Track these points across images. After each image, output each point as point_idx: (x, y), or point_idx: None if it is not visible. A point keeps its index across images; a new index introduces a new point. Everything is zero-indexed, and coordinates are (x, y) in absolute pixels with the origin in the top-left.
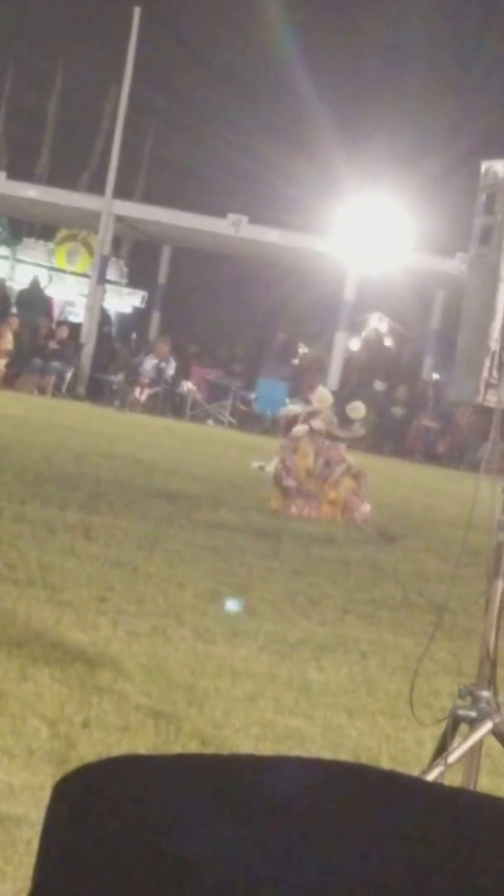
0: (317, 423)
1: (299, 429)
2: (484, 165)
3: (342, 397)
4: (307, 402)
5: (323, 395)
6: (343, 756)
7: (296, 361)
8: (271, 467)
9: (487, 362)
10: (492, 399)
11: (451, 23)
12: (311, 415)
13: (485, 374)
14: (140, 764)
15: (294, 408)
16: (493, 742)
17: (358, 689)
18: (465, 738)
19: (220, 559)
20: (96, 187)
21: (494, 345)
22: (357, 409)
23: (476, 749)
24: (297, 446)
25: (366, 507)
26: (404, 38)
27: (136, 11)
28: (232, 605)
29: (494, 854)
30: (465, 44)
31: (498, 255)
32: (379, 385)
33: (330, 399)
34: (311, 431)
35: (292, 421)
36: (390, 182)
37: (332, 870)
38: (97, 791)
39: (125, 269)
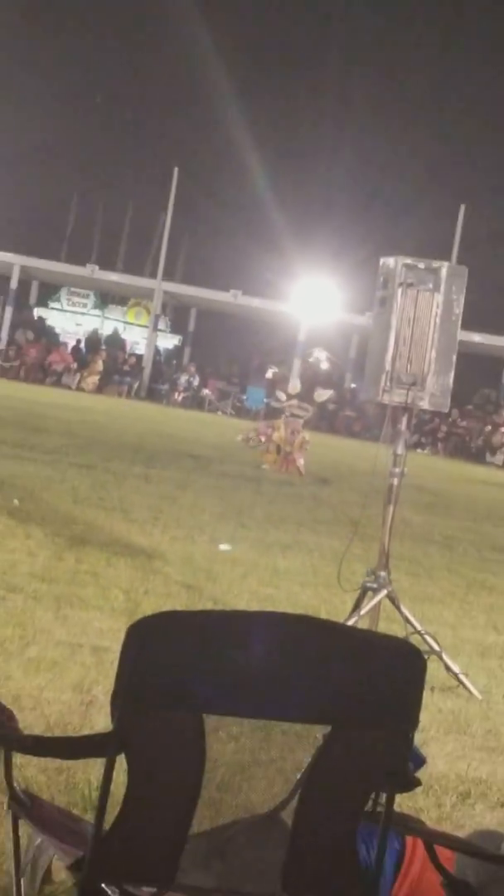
0: (291, 408)
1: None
2: (381, 260)
3: (300, 395)
4: (277, 398)
5: (295, 385)
6: (296, 610)
7: (269, 376)
8: (248, 437)
9: (383, 377)
10: (386, 399)
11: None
12: (289, 404)
13: (382, 383)
14: (176, 616)
15: (279, 400)
16: (387, 603)
17: (307, 572)
18: (370, 600)
19: (224, 494)
20: (152, 273)
21: (387, 366)
22: (322, 394)
23: (377, 606)
24: (276, 425)
25: (301, 461)
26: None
27: (175, 171)
28: (224, 546)
29: (381, 661)
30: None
31: (389, 314)
32: (319, 393)
33: (298, 388)
34: (286, 414)
35: (276, 411)
36: (326, 267)
37: (289, 675)
38: (151, 631)
39: (169, 322)
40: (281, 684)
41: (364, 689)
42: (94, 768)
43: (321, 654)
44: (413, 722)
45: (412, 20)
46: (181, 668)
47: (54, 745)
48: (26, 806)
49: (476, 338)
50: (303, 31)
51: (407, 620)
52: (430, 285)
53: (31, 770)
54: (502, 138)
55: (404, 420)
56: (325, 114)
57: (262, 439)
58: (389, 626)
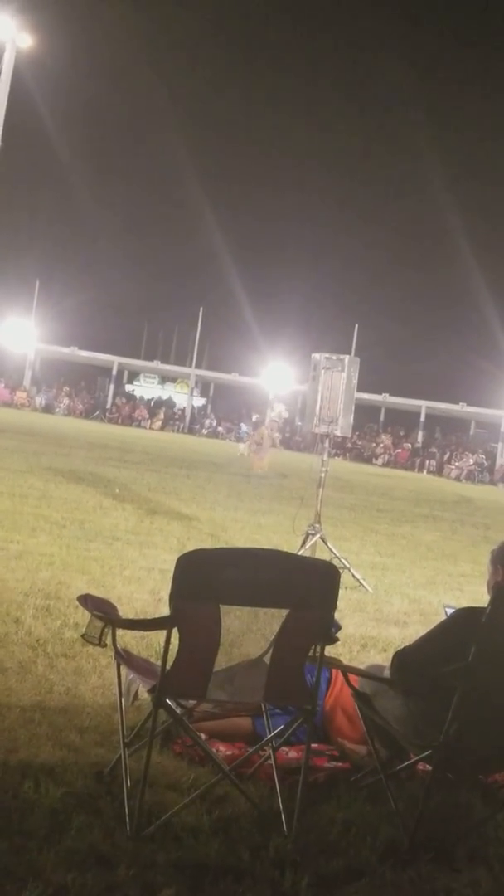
0: (267, 431)
1: (259, 438)
2: (312, 355)
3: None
4: (256, 432)
5: (281, 411)
6: (271, 545)
7: (253, 419)
8: (243, 452)
9: (315, 418)
10: (316, 430)
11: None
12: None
13: (314, 421)
14: (202, 550)
15: (259, 432)
16: (320, 542)
17: (277, 525)
18: (311, 540)
19: (231, 484)
20: (190, 364)
21: (317, 412)
22: (281, 411)
23: (315, 544)
24: (261, 431)
25: (264, 463)
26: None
27: (201, 310)
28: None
29: (315, 573)
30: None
31: (318, 384)
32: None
33: (285, 413)
34: (263, 435)
35: (259, 436)
36: (284, 357)
37: (266, 581)
38: (189, 559)
39: (199, 391)
40: (262, 586)
41: (307, 588)
42: (160, 635)
43: (283, 569)
44: (333, 606)
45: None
46: (206, 579)
47: (139, 623)
48: (123, 657)
49: (364, 395)
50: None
51: (331, 551)
52: (339, 368)
53: (127, 637)
54: (385, 281)
55: (326, 441)
56: (282, 272)
57: (254, 447)
58: (322, 553)
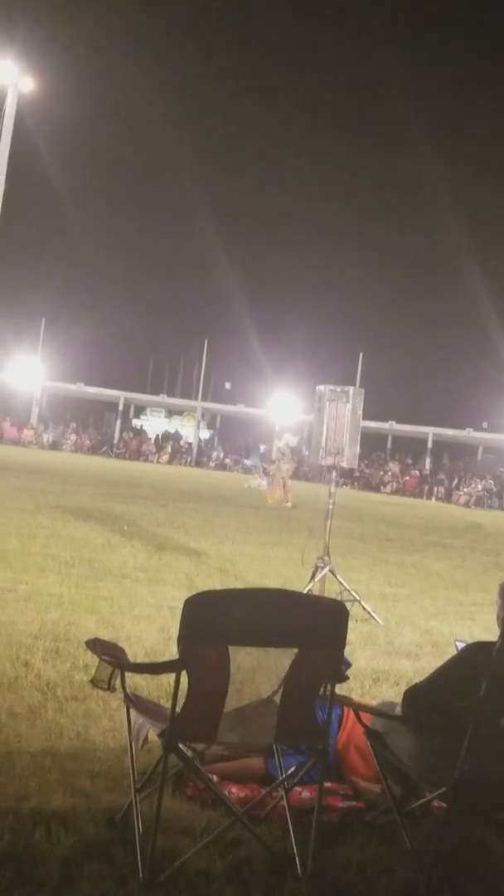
0: (280, 462)
1: (274, 469)
2: (317, 387)
3: (277, 458)
4: (267, 465)
5: (290, 440)
6: (280, 580)
7: (261, 450)
8: (251, 484)
9: (321, 450)
10: (323, 461)
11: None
12: (278, 459)
13: (321, 453)
14: (209, 592)
15: (274, 462)
16: (329, 574)
17: (286, 558)
18: (320, 572)
19: (239, 517)
20: (195, 396)
21: (323, 443)
22: (289, 440)
23: (324, 576)
24: (280, 465)
25: (287, 495)
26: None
27: (206, 342)
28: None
29: (322, 612)
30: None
31: (323, 415)
32: (288, 442)
33: (293, 442)
34: (278, 468)
35: (272, 467)
36: (290, 388)
37: (273, 621)
38: (196, 601)
39: (206, 423)
40: (270, 627)
41: (315, 627)
42: (171, 676)
43: (291, 609)
44: (342, 644)
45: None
46: (213, 621)
47: (147, 667)
48: (132, 700)
49: (371, 424)
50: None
51: (341, 583)
52: (344, 399)
53: (137, 678)
54: (389, 311)
55: (333, 472)
56: (287, 304)
57: (265, 483)
58: (331, 586)
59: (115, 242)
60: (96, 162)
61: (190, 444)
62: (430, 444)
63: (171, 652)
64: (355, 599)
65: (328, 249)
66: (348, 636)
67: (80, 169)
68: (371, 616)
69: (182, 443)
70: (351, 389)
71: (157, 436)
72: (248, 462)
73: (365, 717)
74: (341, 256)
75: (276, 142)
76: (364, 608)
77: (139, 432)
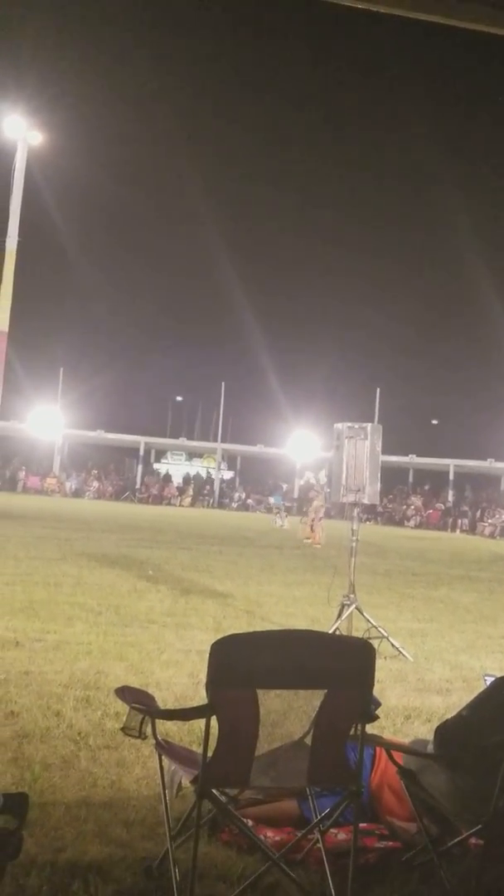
0: (315, 500)
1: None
2: (334, 425)
3: (301, 497)
4: (306, 505)
5: (321, 476)
6: (307, 620)
7: (283, 489)
8: (278, 524)
9: (342, 487)
10: (344, 499)
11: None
12: (314, 497)
13: (341, 491)
14: (236, 636)
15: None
16: (356, 612)
17: (312, 597)
18: (346, 610)
19: (263, 557)
20: (215, 438)
21: (343, 481)
22: (310, 477)
23: (351, 614)
24: (314, 506)
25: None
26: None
27: (223, 385)
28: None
29: (350, 652)
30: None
31: (342, 454)
32: (314, 481)
33: (317, 481)
34: (313, 506)
35: (308, 502)
36: (309, 426)
37: (301, 663)
38: (223, 645)
39: (226, 464)
40: (298, 669)
41: (343, 668)
42: (202, 722)
43: (318, 650)
44: (370, 684)
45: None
46: (241, 665)
47: (177, 713)
48: (164, 747)
49: (392, 458)
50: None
51: (368, 620)
52: (362, 436)
53: (168, 725)
54: (405, 347)
55: (355, 509)
56: (303, 345)
57: (282, 521)
58: (358, 623)
59: (131, 289)
60: (109, 211)
61: (212, 486)
62: (451, 476)
63: (201, 696)
64: (383, 636)
65: (345, 289)
66: (377, 674)
67: (94, 219)
68: (400, 652)
69: (204, 485)
70: (369, 426)
71: (179, 479)
72: (272, 500)
73: (397, 755)
74: (358, 295)
75: (292, 184)
76: (392, 645)
77: (161, 476)
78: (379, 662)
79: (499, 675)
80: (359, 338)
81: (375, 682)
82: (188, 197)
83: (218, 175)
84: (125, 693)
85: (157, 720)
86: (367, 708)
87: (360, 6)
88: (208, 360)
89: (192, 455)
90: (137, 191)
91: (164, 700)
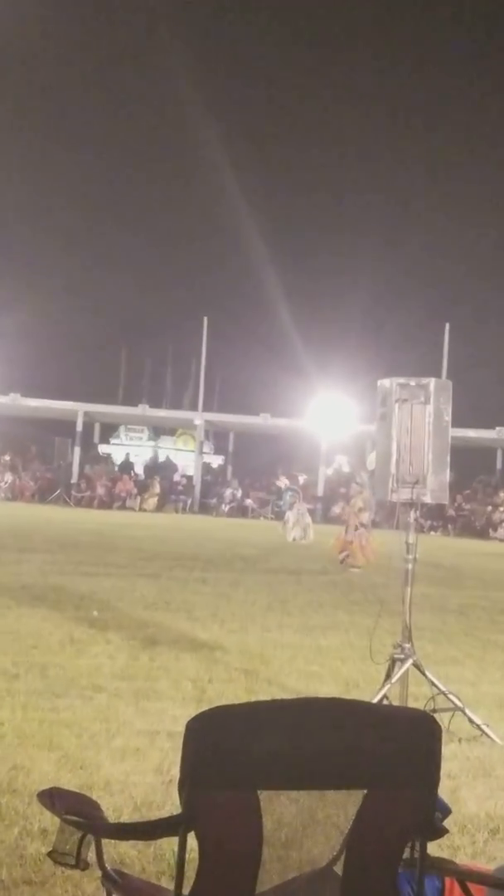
0: (357, 499)
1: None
2: (378, 382)
3: (327, 495)
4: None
5: (371, 460)
6: (338, 683)
7: (301, 482)
8: (291, 535)
9: (390, 479)
10: (394, 497)
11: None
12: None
13: (390, 485)
14: (225, 709)
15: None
16: (413, 669)
17: (345, 648)
18: (399, 669)
19: (270, 588)
20: (194, 405)
21: (393, 470)
22: (371, 460)
23: (405, 674)
24: (349, 520)
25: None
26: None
27: (205, 320)
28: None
29: (402, 732)
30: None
31: (390, 427)
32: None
33: (373, 463)
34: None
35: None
36: (340, 386)
37: (327, 750)
38: (206, 725)
39: (212, 445)
40: (319, 759)
41: (390, 757)
42: (173, 841)
43: (351, 729)
44: (434, 780)
45: (402, 188)
46: (233, 754)
47: (133, 829)
48: (116, 881)
49: (471, 433)
50: (310, 195)
51: (432, 683)
52: (422, 398)
53: (124, 846)
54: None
55: (412, 513)
56: (330, 259)
57: (351, 541)
58: (419, 689)
59: (62, 177)
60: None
61: (190, 480)
62: None
63: (174, 802)
64: (456, 707)
65: (396, 167)
66: (448, 765)
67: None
68: (483, 732)
69: (177, 477)
70: (432, 382)
71: (135, 474)
72: (282, 502)
73: (477, 889)
74: (417, 177)
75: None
76: (471, 720)
77: (110, 465)
78: (449, 748)
79: None
80: (418, 247)
81: (443, 778)
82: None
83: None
84: (55, 799)
85: (104, 840)
86: (430, 817)
87: None
88: (182, 285)
89: (158, 432)
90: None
91: (118, 809)
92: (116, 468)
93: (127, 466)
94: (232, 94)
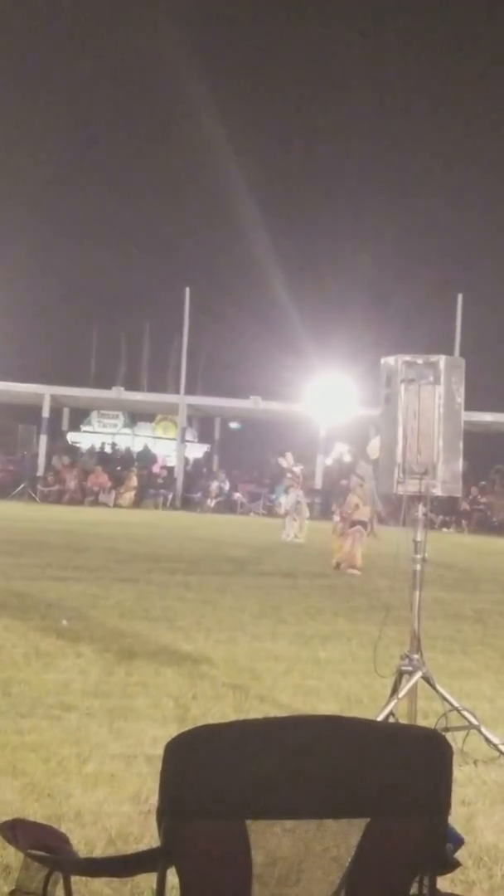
0: (356, 491)
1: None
2: (382, 360)
3: (326, 489)
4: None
5: (374, 447)
6: (339, 699)
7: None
8: (288, 535)
9: (396, 469)
10: (400, 490)
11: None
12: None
13: (395, 475)
14: (209, 730)
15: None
16: (422, 683)
17: (346, 660)
18: (407, 682)
19: (262, 593)
20: (175, 388)
21: (399, 459)
22: (374, 447)
23: (414, 688)
24: (347, 516)
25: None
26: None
27: (187, 292)
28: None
29: (408, 754)
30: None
31: (395, 410)
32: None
33: (377, 451)
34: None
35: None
36: (340, 367)
37: (323, 775)
38: (187, 747)
39: (196, 433)
40: (316, 784)
41: (395, 781)
42: (150, 877)
43: (351, 752)
44: (445, 807)
45: (411, 135)
46: (219, 779)
47: (107, 864)
48: None
49: (487, 417)
50: (311, 160)
51: (444, 699)
52: (431, 378)
53: (96, 884)
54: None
55: (421, 507)
56: (330, 221)
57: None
58: (430, 705)
59: (27, 148)
60: None
61: (171, 471)
62: None
63: (153, 834)
64: (472, 726)
65: (396, 124)
66: (461, 790)
67: None
68: (501, 753)
69: (158, 469)
70: (442, 360)
71: (108, 457)
72: (273, 496)
73: None
74: (422, 140)
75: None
76: (488, 740)
77: (82, 455)
78: (464, 770)
79: None
80: (429, 208)
81: (457, 805)
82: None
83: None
84: (19, 832)
85: (74, 877)
86: (441, 848)
87: None
88: (161, 252)
89: (135, 418)
90: None
91: (90, 842)
92: (83, 455)
93: (100, 457)
94: (213, 34)
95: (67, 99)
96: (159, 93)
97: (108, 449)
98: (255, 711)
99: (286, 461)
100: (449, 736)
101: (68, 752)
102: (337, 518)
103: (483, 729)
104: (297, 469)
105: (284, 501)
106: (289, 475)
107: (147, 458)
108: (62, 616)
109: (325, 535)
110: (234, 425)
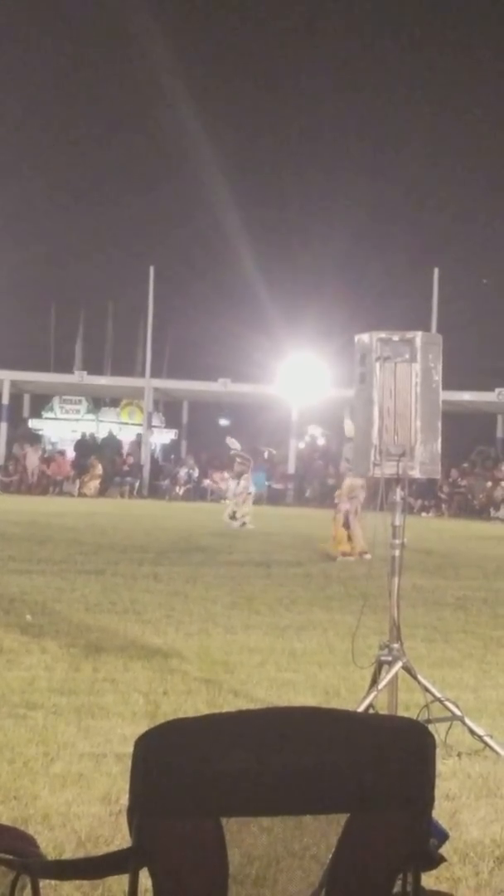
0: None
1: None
2: (356, 337)
3: (300, 473)
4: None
5: (350, 427)
6: (316, 692)
7: (266, 457)
8: (233, 521)
9: (372, 451)
10: (377, 472)
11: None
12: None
13: (371, 457)
14: (180, 724)
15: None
16: (403, 673)
17: (323, 651)
18: (387, 673)
19: (234, 583)
20: (141, 371)
21: (375, 440)
22: (350, 427)
23: (394, 679)
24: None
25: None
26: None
27: (151, 270)
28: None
29: (389, 745)
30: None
31: (370, 389)
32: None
33: (352, 430)
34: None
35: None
36: (312, 347)
37: (300, 769)
38: (157, 743)
39: (163, 418)
40: (293, 779)
41: (376, 775)
42: (122, 879)
43: (329, 744)
44: (428, 801)
45: (384, 108)
46: (191, 776)
47: (76, 867)
48: None
49: (466, 396)
50: (279, 124)
51: (426, 689)
52: (407, 356)
53: (66, 888)
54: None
55: (398, 490)
56: (301, 194)
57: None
58: (411, 696)
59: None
60: None
61: (137, 458)
62: None
63: (124, 835)
64: (455, 717)
65: (369, 97)
66: (445, 783)
67: None
68: (486, 744)
69: (123, 456)
70: (419, 336)
71: (73, 446)
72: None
73: None
74: (395, 112)
75: None
76: (472, 731)
77: (43, 443)
78: (447, 763)
79: None
80: (404, 181)
81: (441, 799)
82: None
83: None
84: None
85: (42, 880)
86: (425, 844)
87: None
88: (123, 228)
89: (98, 403)
90: None
91: (59, 845)
92: (45, 444)
93: (61, 444)
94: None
95: (26, 80)
96: (121, 67)
97: (81, 436)
98: (229, 706)
99: (233, 445)
100: (431, 728)
101: (34, 752)
102: (344, 506)
103: (467, 720)
104: (245, 453)
105: (234, 486)
106: (238, 460)
107: (112, 444)
108: (25, 611)
109: (297, 521)
110: (223, 422)
